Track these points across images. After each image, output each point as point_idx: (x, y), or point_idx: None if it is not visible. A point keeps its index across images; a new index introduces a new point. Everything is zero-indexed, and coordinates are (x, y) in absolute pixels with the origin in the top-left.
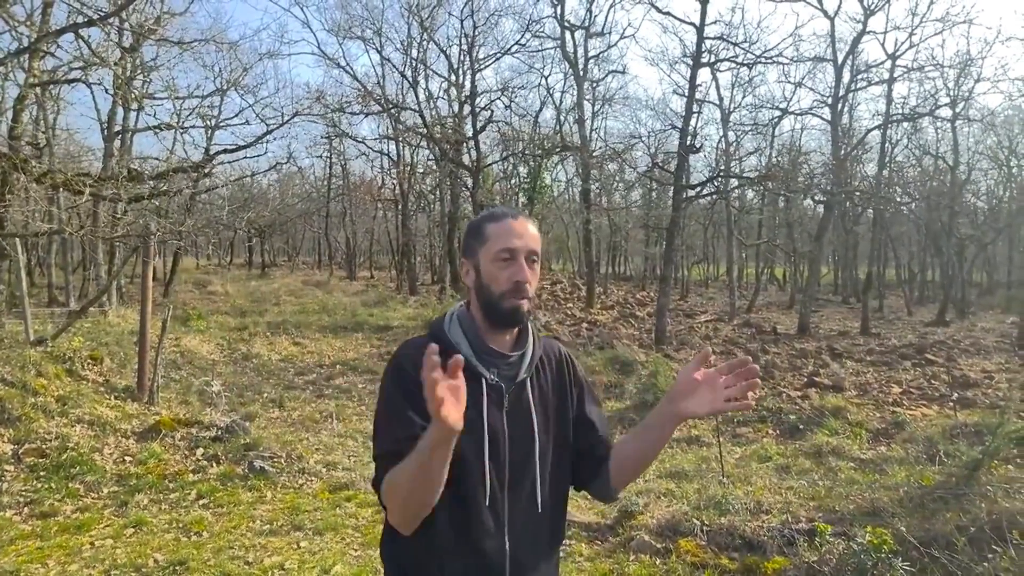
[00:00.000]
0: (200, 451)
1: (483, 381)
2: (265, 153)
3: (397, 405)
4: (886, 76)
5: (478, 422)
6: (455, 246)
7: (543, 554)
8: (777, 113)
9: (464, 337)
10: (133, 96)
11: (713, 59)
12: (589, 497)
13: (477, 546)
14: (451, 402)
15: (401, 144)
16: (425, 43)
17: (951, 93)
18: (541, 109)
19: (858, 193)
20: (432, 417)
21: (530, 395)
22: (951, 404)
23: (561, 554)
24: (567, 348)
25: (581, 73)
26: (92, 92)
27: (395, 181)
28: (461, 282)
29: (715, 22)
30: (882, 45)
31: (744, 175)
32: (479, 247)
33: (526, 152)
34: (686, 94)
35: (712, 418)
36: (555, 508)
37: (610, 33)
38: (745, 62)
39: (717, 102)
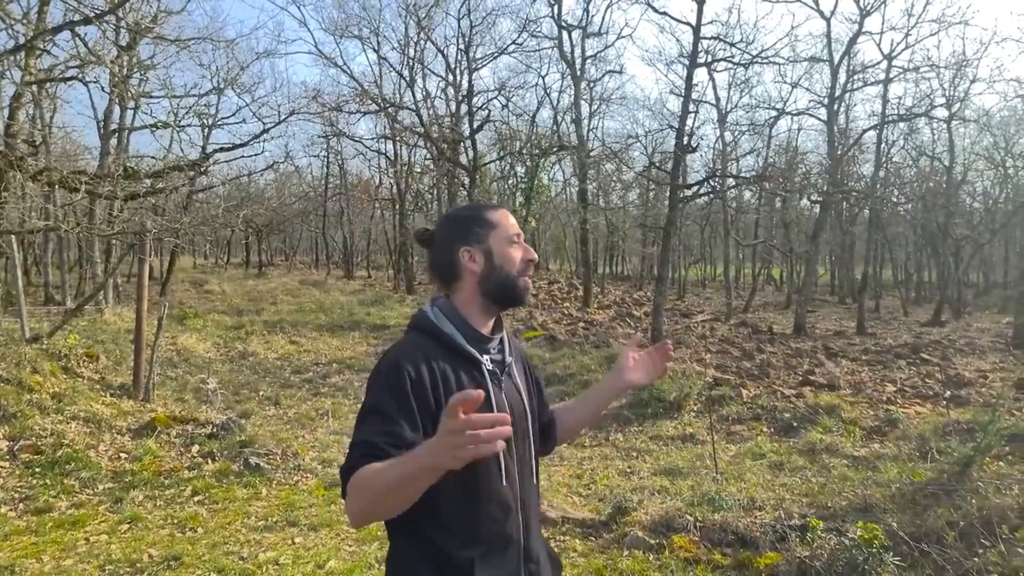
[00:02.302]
0: (196, 448)
1: (482, 366)
2: (262, 152)
3: (389, 405)
4: (882, 76)
5: (488, 407)
6: None
7: (538, 523)
8: (773, 113)
9: (454, 327)
10: (130, 94)
11: (710, 59)
12: (583, 493)
13: (499, 526)
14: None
15: (398, 143)
16: (422, 42)
17: (947, 94)
18: (538, 109)
19: (854, 193)
20: (445, 450)
21: (515, 375)
22: (944, 402)
23: (555, 550)
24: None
25: (578, 73)
26: (89, 90)
27: (392, 180)
28: (461, 273)
29: (711, 22)
30: (878, 46)
31: (741, 175)
32: (488, 232)
33: (523, 152)
34: (683, 94)
35: (706, 416)
36: (539, 479)
37: (607, 33)
38: (741, 62)
39: (714, 102)
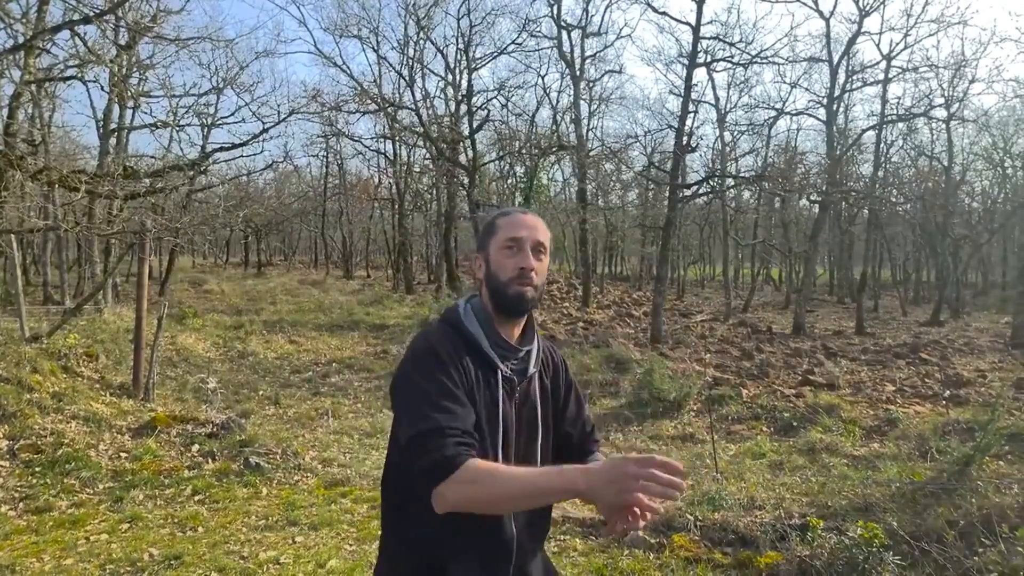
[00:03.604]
0: (195, 447)
1: (499, 373)
2: (261, 152)
3: (449, 386)
4: (881, 77)
5: (495, 413)
6: (451, 245)
7: (539, 541)
8: (773, 113)
9: (481, 329)
10: (129, 94)
11: (709, 59)
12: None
13: (489, 533)
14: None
15: (398, 143)
16: (422, 42)
17: (946, 94)
18: (538, 109)
19: (853, 193)
20: (606, 495)
21: (536, 389)
22: (944, 402)
23: (555, 549)
24: (559, 350)
25: (577, 73)
26: (88, 89)
27: (392, 180)
28: (474, 278)
29: (711, 22)
30: (877, 46)
31: (740, 175)
32: (490, 239)
33: (523, 151)
34: (682, 94)
35: (706, 416)
36: None
37: (607, 33)
38: (741, 62)
39: (713, 102)
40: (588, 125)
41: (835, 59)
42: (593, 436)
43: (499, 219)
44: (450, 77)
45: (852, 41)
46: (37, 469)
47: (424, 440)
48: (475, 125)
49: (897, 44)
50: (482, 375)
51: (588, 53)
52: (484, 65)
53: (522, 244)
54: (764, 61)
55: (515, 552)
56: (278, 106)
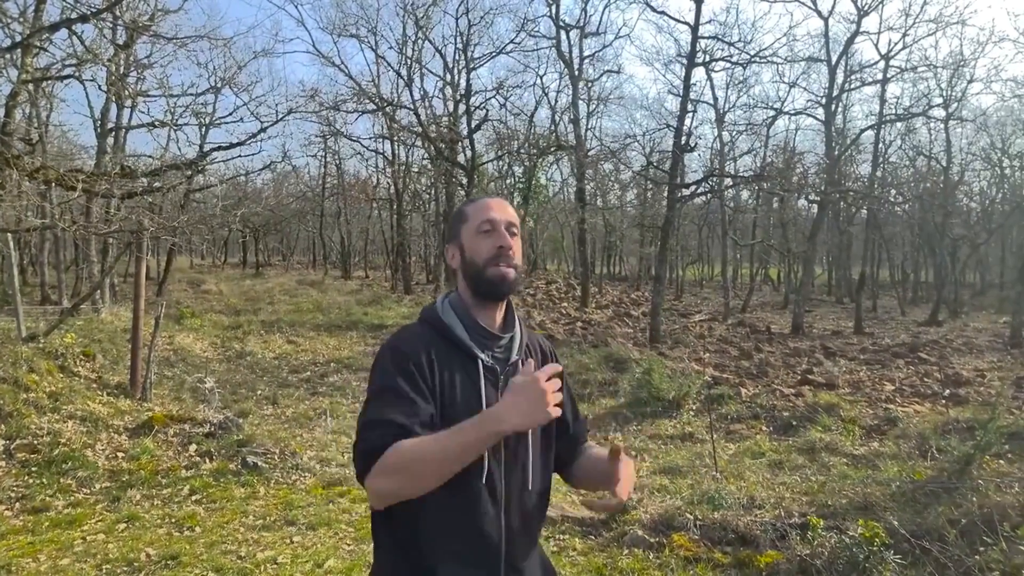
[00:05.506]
0: (193, 447)
1: (479, 362)
2: (259, 152)
3: (400, 384)
4: (879, 76)
5: (476, 403)
6: None
7: (534, 534)
8: (771, 113)
9: (458, 319)
10: (127, 93)
11: (708, 59)
12: (582, 492)
13: (474, 525)
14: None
15: (396, 143)
16: (420, 41)
17: (944, 93)
18: (536, 108)
19: (852, 193)
20: (516, 417)
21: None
22: (943, 401)
23: (554, 548)
24: (548, 342)
25: (576, 73)
26: (85, 89)
27: (390, 180)
28: (449, 271)
29: (709, 21)
30: (875, 45)
31: (739, 174)
32: (462, 227)
33: (521, 151)
34: (680, 94)
35: (705, 415)
36: (544, 490)
37: (605, 33)
38: (739, 62)
39: (712, 102)
40: (586, 125)
41: (833, 59)
42: (584, 427)
43: (467, 207)
44: (448, 77)
45: (851, 41)
46: (34, 469)
47: (360, 431)
48: (473, 125)
49: (895, 44)
50: (460, 366)
51: (587, 53)
52: (482, 65)
53: (496, 225)
54: (763, 61)
55: (505, 552)
56: (276, 106)
